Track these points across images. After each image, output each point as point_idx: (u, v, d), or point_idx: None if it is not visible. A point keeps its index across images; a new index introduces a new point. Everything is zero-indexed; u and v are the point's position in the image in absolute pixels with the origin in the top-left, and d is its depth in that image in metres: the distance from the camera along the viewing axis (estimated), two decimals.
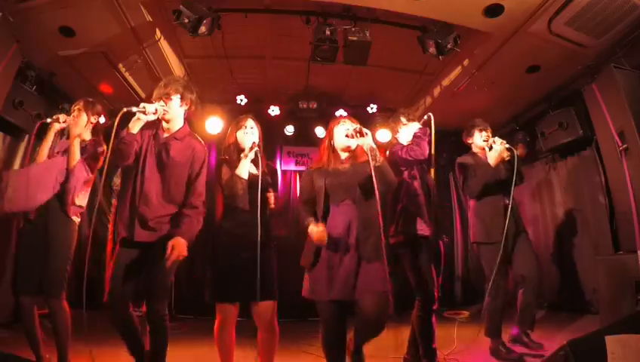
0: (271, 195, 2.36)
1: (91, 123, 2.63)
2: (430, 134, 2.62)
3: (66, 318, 2.39)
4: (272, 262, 2.29)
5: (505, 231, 2.75)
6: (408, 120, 2.83)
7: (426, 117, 2.65)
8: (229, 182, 2.27)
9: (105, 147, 2.51)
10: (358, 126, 2.19)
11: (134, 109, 2.04)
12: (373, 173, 2.01)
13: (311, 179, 2.24)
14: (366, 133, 2.12)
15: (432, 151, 2.66)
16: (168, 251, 1.95)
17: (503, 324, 2.89)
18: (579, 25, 3.29)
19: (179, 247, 1.98)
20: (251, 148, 2.28)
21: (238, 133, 2.40)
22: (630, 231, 3.36)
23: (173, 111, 2.21)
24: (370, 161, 2.04)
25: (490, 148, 2.95)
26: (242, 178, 2.26)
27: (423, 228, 2.62)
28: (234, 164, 2.33)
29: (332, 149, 2.28)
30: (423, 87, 5.07)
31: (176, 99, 2.21)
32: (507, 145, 2.93)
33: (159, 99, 2.18)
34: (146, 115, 2.06)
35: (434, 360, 2.58)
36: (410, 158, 2.59)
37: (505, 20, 3.33)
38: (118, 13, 3.27)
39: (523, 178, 3.14)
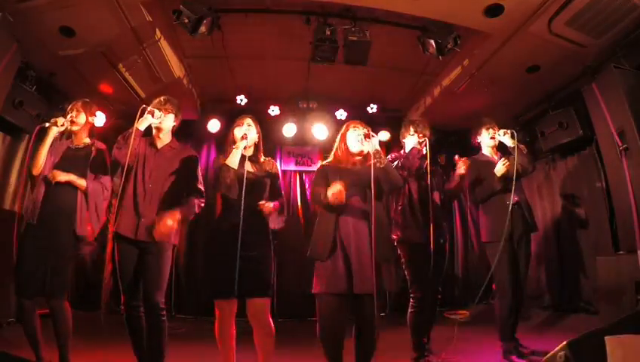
0: (265, 205, 2.30)
1: (89, 123, 2.70)
2: (425, 155, 2.76)
3: (68, 318, 2.41)
4: (268, 260, 2.30)
5: (508, 230, 2.76)
6: (415, 131, 2.90)
7: (423, 140, 2.78)
8: (220, 172, 2.26)
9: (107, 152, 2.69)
10: (366, 130, 2.34)
11: (148, 108, 2.35)
12: (372, 174, 2.13)
13: (326, 174, 2.32)
14: (372, 136, 2.28)
15: (428, 169, 2.75)
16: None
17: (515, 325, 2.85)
18: (579, 25, 3.29)
19: (173, 217, 2.21)
20: (242, 139, 2.34)
21: (235, 130, 2.46)
22: (630, 231, 3.36)
23: (167, 124, 2.49)
24: (373, 162, 2.17)
25: (499, 145, 3.12)
26: (231, 167, 2.27)
27: (417, 235, 2.73)
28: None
29: (347, 153, 2.39)
30: (423, 87, 5.07)
31: (171, 115, 2.49)
32: (510, 132, 3.00)
33: (159, 110, 2.41)
34: (153, 117, 2.34)
35: (423, 354, 2.67)
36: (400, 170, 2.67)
37: (505, 20, 3.33)
38: (118, 13, 3.26)
39: (534, 166, 3.19)
